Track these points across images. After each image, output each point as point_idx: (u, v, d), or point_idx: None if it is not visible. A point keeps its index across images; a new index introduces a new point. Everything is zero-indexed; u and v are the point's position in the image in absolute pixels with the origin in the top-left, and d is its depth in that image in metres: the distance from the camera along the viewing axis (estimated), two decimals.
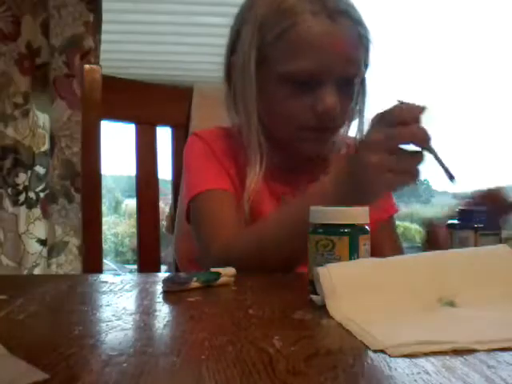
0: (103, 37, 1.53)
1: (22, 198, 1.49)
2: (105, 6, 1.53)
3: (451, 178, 0.62)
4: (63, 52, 1.46)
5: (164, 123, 1.14)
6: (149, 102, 1.14)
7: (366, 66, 0.87)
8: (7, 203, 1.47)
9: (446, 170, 0.63)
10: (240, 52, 0.86)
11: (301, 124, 0.83)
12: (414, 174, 0.64)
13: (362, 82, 0.89)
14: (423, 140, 0.63)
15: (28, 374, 0.33)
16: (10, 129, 1.45)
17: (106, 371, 0.34)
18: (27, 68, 1.46)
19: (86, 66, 1.11)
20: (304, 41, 0.80)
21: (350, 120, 0.91)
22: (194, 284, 0.60)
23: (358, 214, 0.57)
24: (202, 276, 0.61)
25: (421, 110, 0.63)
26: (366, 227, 0.58)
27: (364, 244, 0.57)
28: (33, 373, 0.33)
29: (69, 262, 1.46)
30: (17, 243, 1.48)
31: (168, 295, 0.58)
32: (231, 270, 0.64)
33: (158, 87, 1.18)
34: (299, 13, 0.80)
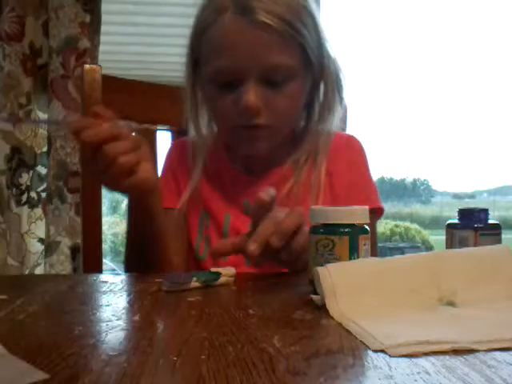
0: (103, 38, 1.53)
1: (24, 197, 1.50)
2: (105, 7, 1.53)
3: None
4: (60, 53, 1.46)
5: (164, 123, 1.14)
6: (149, 102, 1.13)
7: (310, 61, 0.83)
8: (12, 204, 1.48)
9: None
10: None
11: (231, 123, 0.83)
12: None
13: (324, 78, 0.87)
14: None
15: (28, 374, 0.33)
16: (17, 130, 1.46)
17: (106, 371, 0.34)
18: (30, 69, 1.47)
19: (86, 66, 1.11)
20: (218, 39, 0.80)
21: (322, 116, 0.89)
22: (194, 284, 0.60)
23: (358, 214, 0.57)
24: (201, 276, 0.61)
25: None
26: (366, 227, 0.58)
27: (364, 244, 0.57)
28: (33, 373, 0.33)
29: (60, 263, 1.46)
30: (19, 243, 1.48)
31: (168, 295, 0.58)
32: (231, 270, 0.64)
33: (158, 87, 1.18)
34: (219, 10, 0.80)
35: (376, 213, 0.89)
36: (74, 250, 1.46)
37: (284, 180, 0.87)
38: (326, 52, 0.86)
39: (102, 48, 1.53)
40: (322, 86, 0.89)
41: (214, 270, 0.63)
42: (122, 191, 0.73)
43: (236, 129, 0.83)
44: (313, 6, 0.83)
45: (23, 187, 1.49)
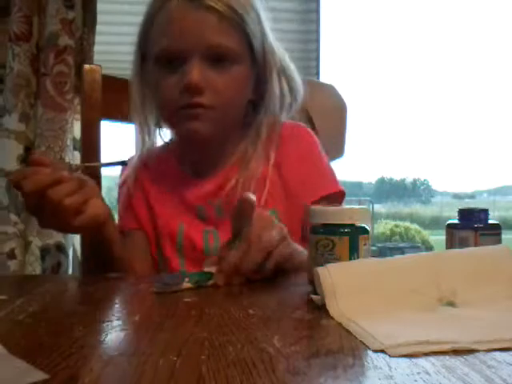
0: (103, 38, 1.53)
1: None
2: (101, 7, 1.53)
3: None
4: (42, 51, 1.45)
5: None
6: None
7: (254, 51, 0.85)
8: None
9: None
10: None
11: (174, 104, 0.82)
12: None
13: (269, 70, 0.88)
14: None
15: (28, 374, 0.33)
16: (28, 130, 1.45)
17: (106, 371, 0.34)
18: (36, 68, 1.46)
19: (86, 66, 1.11)
20: (165, 22, 0.82)
21: (268, 109, 0.89)
22: (186, 285, 0.59)
23: (358, 214, 0.57)
24: (193, 276, 0.61)
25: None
26: (366, 227, 0.58)
27: (364, 244, 0.57)
28: (33, 373, 0.33)
29: (30, 264, 1.44)
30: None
31: (168, 295, 0.58)
32: None
33: None
34: None
35: (338, 197, 0.90)
36: (45, 251, 1.44)
37: (231, 176, 0.86)
38: (271, 47, 0.88)
39: (102, 48, 1.53)
40: (269, 81, 0.89)
41: (206, 269, 0.62)
42: (74, 232, 0.74)
43: (179, 110, 0.82)
44: (258, 4, 0.87)
45: None
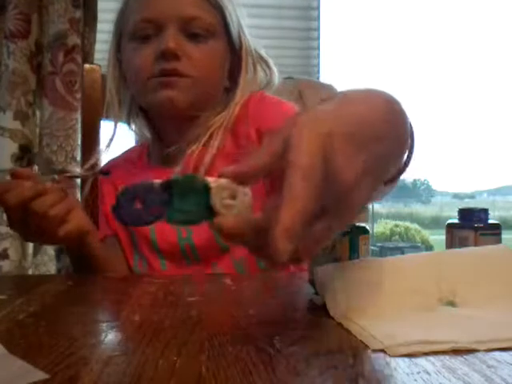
0: (103, 36, 1.52)
1: None
2: (102, 5, 1.53)
3: None
4: (49, 49, 1.45)
5: None
6: None
7: (228, 30, 0.87)
8: None
9: None
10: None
11: (147, 73, 0.82)
12: None
13: (240, 54, 0.89)
14: None
15: (28, 373, 0.33)
16: (25, 128, 1.45)
17: (106, 371, 0.34)
18: (35, 66, 1.46)
19: (86, 66, 1.11)
20: None
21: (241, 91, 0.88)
22: None
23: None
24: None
25: None
26: (366, 227, 0.58)
27: (364, 244, 0.57)
28: (33, 373, 0.33)
29: (44, 264, 1.44)
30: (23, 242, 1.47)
31: (168, 295, 0.57)
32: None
33: None
34: None
35: None
36: (59, 251, 1.44)
37: (200, 156, 0.83)
38: (246, 38, 0.90)
39: (102, 47, 1.53)
40: (243, 68, 0.89)
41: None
42: (59, 242, 0.74)
43: (152, 79, 0.82)
44: None
45: None
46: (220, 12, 0.86)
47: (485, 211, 0.67)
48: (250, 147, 0.82)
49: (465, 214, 0.69)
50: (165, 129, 0.90)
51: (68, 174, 0.84)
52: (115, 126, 0.91)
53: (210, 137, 0.85)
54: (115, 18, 0.89)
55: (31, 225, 0.67)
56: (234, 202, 0.39)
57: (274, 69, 0.92)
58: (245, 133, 0.83)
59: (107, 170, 0.74)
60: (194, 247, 0.82)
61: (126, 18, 0.87)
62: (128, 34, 0.85)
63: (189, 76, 0.82)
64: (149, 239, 0.85)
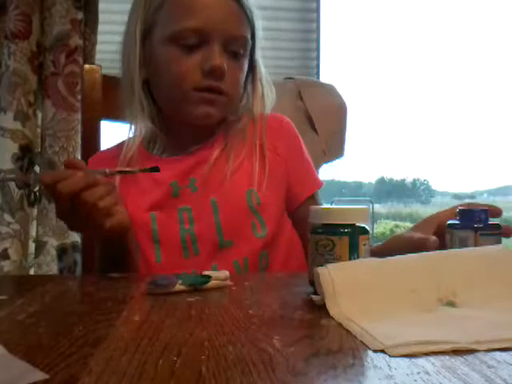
0: (103, 37, 1.53)
1: (32, 197, 1.49)
2: (103, 6, 1.53)
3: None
4: (51, 51, 1.45)
5: None
6: None
7: (254, 39, 0.89)
8: (25, 203, 1.46)
9: None
10: (126, 30, 0.89)
11: (191, 85, 0.83)
12: None
13: (252, 61, 0.91)
14: None
15: (28, 374, 0.33)
16: (26, 128, 1.45)
17: (106, 371, 0.34)
18: (36, 66, 1.46)
19: (86, 66, 1.11)
20: (187, 1, 0.83)
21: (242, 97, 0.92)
22: (179, 287, 0.58)
23: (358, 214, 0.57)
24: (187, 279, 0.59)
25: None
26: (366, 227, 0.58)
27: (364, 244, 0.57)
28: (33, 373, 0.33)
29: (46, 264, 1.44)
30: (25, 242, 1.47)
31: (168, 295, 0.58)
32: (224, 274, 0.62)
33: None
34: None
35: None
36: (61, 251, 1.44)
37: (209, 154, 0.87)
38: (260, 56, 0.92)
39: (102, 47, 1.53)
40: (255, 82, 0.93)
41: (205, 273, 0.61)
42: (104, 234, 0.74)
43: (196, 92, 0.83)
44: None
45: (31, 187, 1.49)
46: (252, 28, 0.87)
47: (485, 211, 0.67)
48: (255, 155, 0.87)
49: (465, 214, 0.69)
50: (182, 130, 0.90)
51: (120, 169, 0.84)
52: (135, 120, 0.89)
53: (232, 141, 0.88)
54: (142, 11, 0.86)
55: (80, 215, 0.69)
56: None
57: (273, 88, 0.95)
58: (254, 143, 0.88)
59: (157, 166, 0.76)
60: (195, 239, 0.82)
61: (161, 16, 0.84)
62: (167, 37, 0.84)
63: (227, 94, 0.84)
64: (149, 228, 0.85)
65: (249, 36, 0.86)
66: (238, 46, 0.85)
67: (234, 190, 0.84)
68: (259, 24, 0.89)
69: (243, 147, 0.88)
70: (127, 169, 0.86)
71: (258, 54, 0.92)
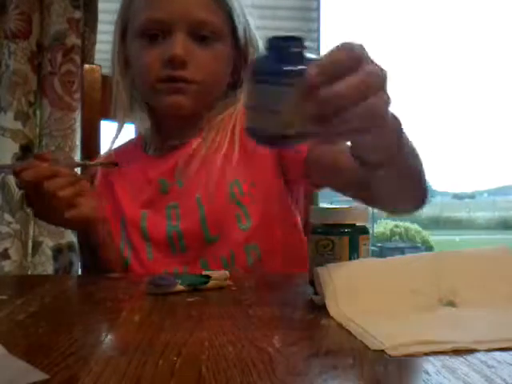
0: (103, 37, 1.53)
1: None
2: (103, 6, 1.53)
3: None
4: (49, 50, 1.45)
5: None
6: None
7: (235, 30, 0.87)
8: (25, 203, 1.46)
9: None
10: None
11: (154, 76, 0.83)
12: None
13: (237, 43, 0.89)
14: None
15: (28, 373, 0.33)
16: (26, 128, 1.45)
17: (106, 371, 0.34)
18: (36, 66, 1.46)
19: (86, 66, 1.11)
20: None
21: (234, 88, 0.89)
22: (179, 287, 0.58)
23: (358, 214, 0.57)
24: (186, 279, 0.59)
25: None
26: (366, 227, 0.58)
27: (364, 244, 0.57)
28: (33, 373, 0.33)
29: (41, 264, 1.44)
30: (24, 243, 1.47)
31: (168, 295, 0.58)
32: (224, 274, 0.61)
33: None
34: None
35: None
36: (56, 251, 1.44)
37: (196, 148, 0.86)
38: (254, 36, 0.90)
39: (101, 47, 1.53)
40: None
41: (205, 273, 0.61)
42: (64, 224, 0.79)
43: (159, 83, 0.82)
44: None
45: None
46: (228, 13, 0.86)
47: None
48: (246, 146, 0.83)
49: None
50: (167, 124, 0.90)
51: (102, 161, 0.89)
52: (122, 119, 0.91)
53: (211, 133, 0.86)
54: (119, 10, 0.88)
55: (43, 203, 0.72)
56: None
57: None
58: (233, 131, 0.85)
59: (115, 162, 0.80)
60: (181, 235, 0.82)
61: (132, 12, 0.86)
62: (135, 30, 0.85)
63: (196, 82, 0.83)
64: (139, 227, 0.85)
65: (220, 20, 0.84)
66: (206, 31, 0.83)
67: (217, 183, 0.83)
68: (238, 3, 0.87)
69: (225, 137, 0.85)
70: (86, 162, 0.91)
71: (246, 32, 0.89)
